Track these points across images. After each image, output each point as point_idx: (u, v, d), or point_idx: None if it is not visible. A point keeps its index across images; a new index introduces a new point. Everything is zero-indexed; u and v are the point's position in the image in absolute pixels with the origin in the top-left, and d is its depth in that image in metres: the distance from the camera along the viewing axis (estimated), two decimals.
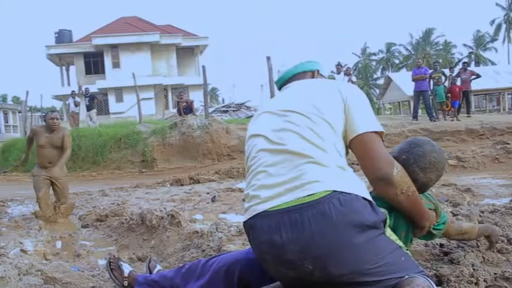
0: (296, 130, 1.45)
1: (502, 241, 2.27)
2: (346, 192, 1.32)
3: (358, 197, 1.34)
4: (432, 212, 1.64)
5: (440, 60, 39.54)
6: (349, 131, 1.48)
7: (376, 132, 1.45)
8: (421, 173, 1.62)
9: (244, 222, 1.48)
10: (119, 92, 27.16)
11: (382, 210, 1.43)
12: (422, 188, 1.64)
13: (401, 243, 1.45)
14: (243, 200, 1.47)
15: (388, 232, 1.42)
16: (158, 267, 2.18)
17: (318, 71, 1.80)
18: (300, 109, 1.50)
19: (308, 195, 1.31)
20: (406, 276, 1.32)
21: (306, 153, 1.39)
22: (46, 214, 4.62)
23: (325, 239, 1.28)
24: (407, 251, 1.46)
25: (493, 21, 47.53)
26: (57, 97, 29.56)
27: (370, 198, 1.38)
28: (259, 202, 1.39)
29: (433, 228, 1.73)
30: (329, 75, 13.66)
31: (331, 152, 1.41)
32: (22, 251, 2.85)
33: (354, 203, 1.32)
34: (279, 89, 1.82)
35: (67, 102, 16.81)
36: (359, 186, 1.38)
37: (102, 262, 2.89)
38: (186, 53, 30.06)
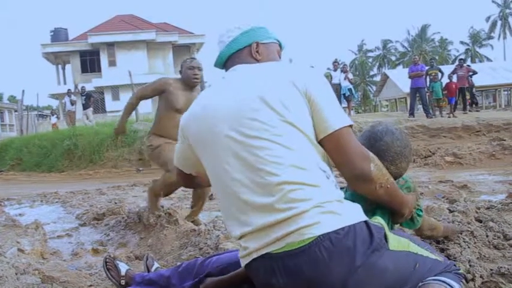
0: (277, 173, 1.24)
1: (498, 237, 2.28)
2: (338, 229, 1.21)
3: (352, 227, 1.23)
4: (412, 196, 1.57)
5: (437, 57, 39.60)
6: (319, 128, 1.31)
7: (348, 126, 1.32)
8: (391, 166, 1.56)
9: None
10: (115, 90, 27.11)
11: (377, 223, 1.35)
12: (396, 177, 1.58)
13: (412, 247, 1.36)
14: None
15: (392, 244, 1.31)
16: (156, 265, 2.18)
17: (256, 43, 1.50)
18: (266, 135, 1.27)
19: (299, 241, 1.22)
20: (420, 284, 1.30)
21: (296, 200, 1.23)
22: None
23: (322, 283, 1.22)
24: (423, 249, 1.39)
25: (488, 18, 47.68)
26: (54, 96, 29.49)
27: (365, 218, 1.28)
28: (252, 251, 1.30)
29: (417, 214, 1.67)
30: (326, 72, 13.68)
31: (321, 182, 1.26)
32: (19, 250, 2.84)
33: (348, 238, 1.21)
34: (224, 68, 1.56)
35: (63, 101, 16.81)
36: (353, 214, 1.27)
37: (100, 261, 2.89)
38: (183, 51, 30.01)
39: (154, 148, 3.32)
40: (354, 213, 1.27)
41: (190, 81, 3.29)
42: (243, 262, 1.36)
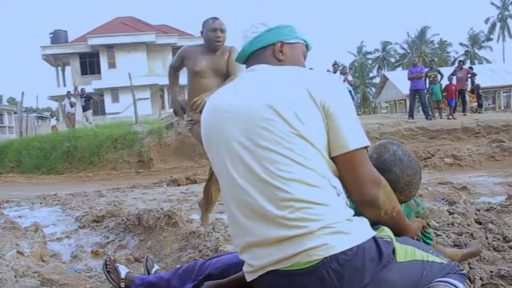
0: (286, 189, 1.19)
1: (498, 239, 2.28)
2: (347, 250, 1.17)
3: (361, 247, 1.19)
4: (417, 225, 1.53)
5: (436, 59, 39.69)
6: (333, 145, 1.24)
7: (364, 148, 1.26)
8: (401, 197, 1.50)
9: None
10: (114, 92, 27.12)
11: (385, 235, 1.30)
12: (404, 202, 1.57)
13: (418, 254, 1.35)
14: None
15: (399, 255, 1.28)
16: (156, 267, 2.18)
17: (281, 42, 1.42)
18: (278, 147, 1.21)
19: (306, 262, 1.18)
20: (426, 287, 1.31)
21: (304, 219, 1.18)
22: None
23: None
24: (428, 254, 1.38)
25: (487, 20, 47.79)
26: (53, 98, 29.49)
27: (373, 234, 1.24)
28: (258, 269, 1.27)
29: (424, 241, 1.63)
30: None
31: (331, 200, 1.22)
32: (18, 252, 2.84)
33: (357, 258, 1.18)
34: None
35: (63, 102, 16.82)
36: (362, 232, 1.23)
37: (99, 263, 2.89)
38: None
39: (194, 123, 3.16)
40: (362, 231, 1.23)
41: (212, 44, 3.07)
42: (248, 278, 1.33)
